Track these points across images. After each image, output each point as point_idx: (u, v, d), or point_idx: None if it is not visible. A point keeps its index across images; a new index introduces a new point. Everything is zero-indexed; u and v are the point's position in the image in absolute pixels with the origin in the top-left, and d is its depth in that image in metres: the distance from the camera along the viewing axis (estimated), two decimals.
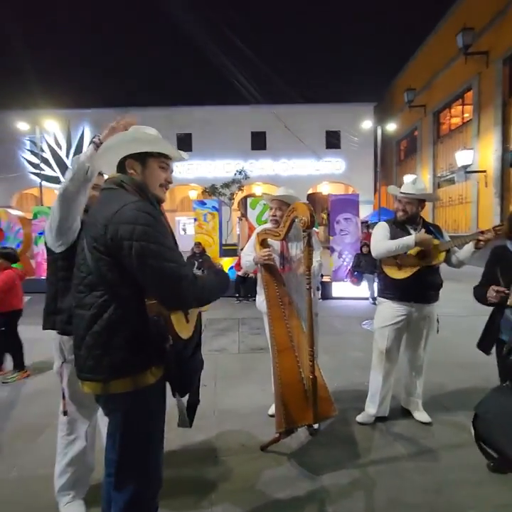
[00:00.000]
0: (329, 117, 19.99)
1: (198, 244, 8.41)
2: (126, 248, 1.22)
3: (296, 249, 2.55)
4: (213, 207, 9.04)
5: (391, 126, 17.61)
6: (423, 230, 2.60)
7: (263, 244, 2.65)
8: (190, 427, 1.51)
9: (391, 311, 2.64)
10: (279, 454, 2.38)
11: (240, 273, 7.51)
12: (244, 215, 13.28)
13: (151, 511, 1.43)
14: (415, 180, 2.65)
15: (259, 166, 20.38)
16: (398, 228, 2.65)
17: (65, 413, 1.86)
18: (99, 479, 1.57)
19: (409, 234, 2.59)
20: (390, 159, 20.68)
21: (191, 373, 1.47)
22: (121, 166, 1.43)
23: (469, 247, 2.47)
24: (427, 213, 15.66)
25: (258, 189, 20.71)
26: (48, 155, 18.65)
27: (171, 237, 1.39)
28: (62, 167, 18.72)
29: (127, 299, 1.29)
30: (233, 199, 17.12)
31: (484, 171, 11.88)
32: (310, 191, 21.36)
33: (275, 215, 2.64)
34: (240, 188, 16.84)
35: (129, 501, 1.34)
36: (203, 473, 2.22)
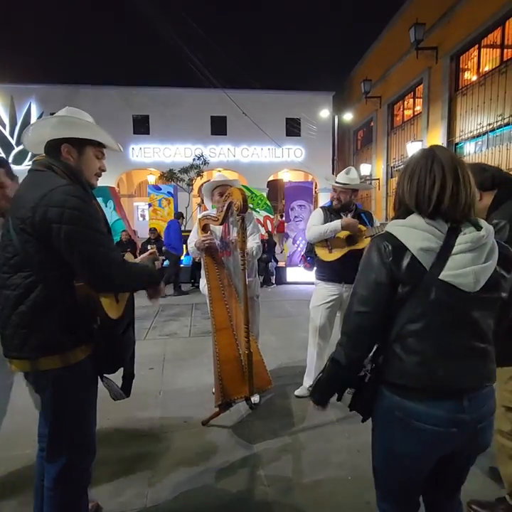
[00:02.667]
0: (289, 105, 20.04)
1: (153, 230, 8.29)
2: (54, 231, 1.24)
3: (235, 234, 2.65)
4: (168, 192, 8.91)
5: (348, 116, 18.07)
6: (349, 215, 2.81)
7: (205, 229, 2.73)
8: (128, 397, 1.58)
9: (325, 291, 2.83)
10: (219, 427, 2.51)
11: (196, 259, 7.52)
12: (203, 201, 13.14)
13: (83, 480, 1.50)
14: (349, 171, 2.82)
15: (220, 151, 20.15)
16: (332, 214, 2.84)
17: None
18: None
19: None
20: (348, 148, 21.25)
21: (121, 351, 1.52)
22: (53, 149, 1.40)
23: None
24: (380, 200, 16.37)
25: (219, 175, 20.52)
26: None
27: (103, 222, 1.42)
28: (7, 146, 17.36)
29: (55, 280, 1.31)
30: (192, 185, 16.84)
31: None
32: (271, 178, 21.50)
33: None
34: (199, 174, 16.55)
35: (61, 470, 1.40)
36: (145, 447, 2.31)
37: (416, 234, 1.04)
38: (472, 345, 1.06)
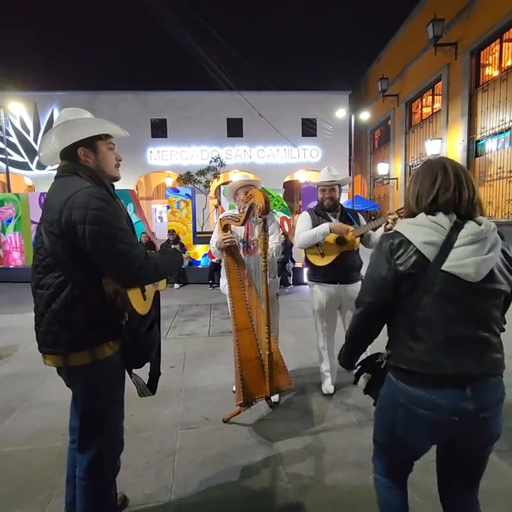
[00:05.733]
0: (305, 105, 20.01)
1: (171, 231, 8.44)
2: (80, 232, 1.30)
3: (257, 234, 2.69)
4: (186, 194, 9.03)
5: (365, 115, 17.86)
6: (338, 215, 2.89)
7: (226, 229, 2.77)
8: (154, 395, 1.66)
9: (322, 293, 2.89)
10: (240, 425, 2.55)
11: (213, 260, 7.60)
12: (220, 202, 13.28)
13: (113, 470, 1.57)
14: (330, 169, 2.90)
15: (236, 153, 20.27)
16: (320, 216, 2.88)
17: None
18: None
19: (330, 220, 2.84)
20: (365, 148, 21.02)
21: (147, 347, 1.58)
22: (71, 155, 1.45)
23: (381, 229, 2.67)
24: (398, 200, 16.12)
25: (235, 176, 20.63)
26: (14, 139, 17.86)
27: (125, 220, 1.48)
28: (31, 152, 18.01)
29: (83, 278, 1.38)
30: (209, 187, 17.01)
31: None
32: (287, 179, 21.48)
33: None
34: (215, 176, 16.70)
35: (93, 460, 1.47)
36: (168, 443, 2.37)
37: (419, 230, 1.13)
38: (475, 334, 1.11)
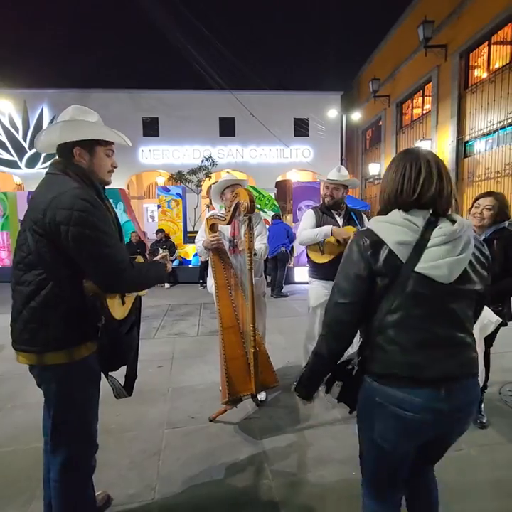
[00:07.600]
0: (298, 105, 20.02)
1: (160, 230, 8.40)
2: (63, 232, 1.29)
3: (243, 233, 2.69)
4: (177, 193, 8.99)
5: (357, 116, 17.97)
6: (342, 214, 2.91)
7: (212, 229, 2.77)
8: (130, 396, 1.63)
9: (322, 288, 2.89)
10: (226, 424, 2.56)
11: (203, 259, 7.58)
12: (211, 202, 13.22)
13: (87, 471, 1.54)
14: (340, 169, 2.91)
15: (228, 152, 20.23)
16: (324, 214, 2.90)
17: None
18: None
19: (335, 219, 2.86)
20: (356, 148, 21.13)
21: (125, 350, 1.54)
22: (66, 152, 1.44)
23: None
24: None
25: (226, 176, 20.58)
26: (3, 137, 17.59)
27: (113, 223, 1.46)
28: (20, 150, 17.74)
29: (65, 278, 1.36)
30: (201, 186, 16.94)
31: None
32: (279, 179, 21.50)
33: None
34: (207, 175, 16.64)
35: (65, 462, 1.45)
36: (151, 442, 2.36)
37: (393, 229, 1.08)
38: (450, 335, 1.09)
